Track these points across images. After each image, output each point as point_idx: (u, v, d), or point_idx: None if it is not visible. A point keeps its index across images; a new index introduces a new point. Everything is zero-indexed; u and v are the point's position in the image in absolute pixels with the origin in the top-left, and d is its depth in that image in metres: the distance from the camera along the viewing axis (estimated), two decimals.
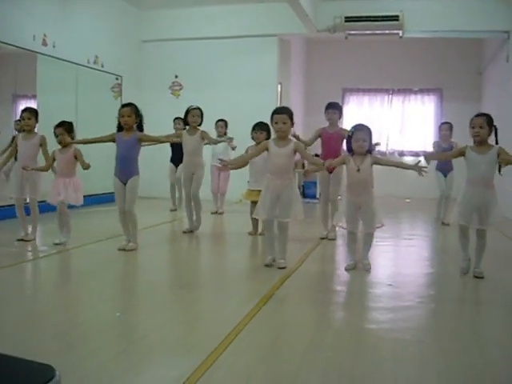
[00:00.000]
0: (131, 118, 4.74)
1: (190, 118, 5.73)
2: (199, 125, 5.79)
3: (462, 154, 4.10)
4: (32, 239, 5.16)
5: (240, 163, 4.87)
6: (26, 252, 4.87)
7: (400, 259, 5.30)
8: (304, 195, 10.28)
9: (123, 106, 4.90)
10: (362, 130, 4.20)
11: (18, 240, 5.14)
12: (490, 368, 2.46)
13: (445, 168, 6.94)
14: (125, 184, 4.78)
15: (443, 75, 10.99)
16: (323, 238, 5.66)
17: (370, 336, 2.89)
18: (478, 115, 4.05)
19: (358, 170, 4.13)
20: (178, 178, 7.74)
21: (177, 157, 7.11)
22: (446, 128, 7.04)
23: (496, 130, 4.01)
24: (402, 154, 11.53)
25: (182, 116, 5.89)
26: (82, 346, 2.64)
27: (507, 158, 3.89)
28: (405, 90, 11.51)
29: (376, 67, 11.24)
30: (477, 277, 4.11)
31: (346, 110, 11.64)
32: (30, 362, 1.27)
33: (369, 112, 11.57)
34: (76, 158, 4.94)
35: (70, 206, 5.07)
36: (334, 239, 5.65)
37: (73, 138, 5.01)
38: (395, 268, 4.77)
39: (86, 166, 4.85)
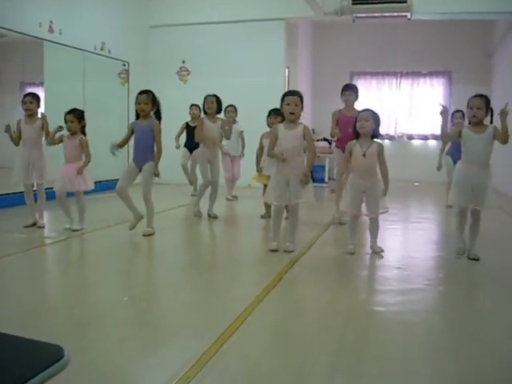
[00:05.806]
0: (147, 106, 4.71)
1: (205, 105, 5.77)
2: (218, 112, 5.81)
3: (459, 133, 4.05)
4: (43, 225, 5.18)
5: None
6: (35, 238, 4.89)
7: (409, 242, 5.29)
8: (313, 179, 10.25)
9: (140, 93, 4.82)
10: (365, 111, 4.17)
11: (26, 226, 5.15)
12: (495, 351, 2.46)
13: (456, 154, 6.73)
14: (140, 170, 4.79)
15: (452, 57, 10.87)
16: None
17: (378, 318, 2.90)
18: (475, 96, 3.99)
19: (364, 155, 4.09)
20: (186, 164, 7.76)
21: (191, 142, 7.06)
22: (459, 116, 6.96)
23: (492, 111, 3.98)
24: (410, 137, 11.46)
25: (193, 102, 5.85)
26: (93, 328, 2.66)
27: (501, 133, 3.89)
28: (413, 73, 11.43)
29: (384, 50, 11.14)
30: (472, 259, 4.09)
31: None
32: (39, 342, 1.28)
33: (377, 95, 11.49)
34: (82, 146, 4.96)
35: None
36: (345, 224, 5.57)
37: (83, 126, 5.02)
38: (404, 251, 4.77)
39: (87, 160, 4.97)
